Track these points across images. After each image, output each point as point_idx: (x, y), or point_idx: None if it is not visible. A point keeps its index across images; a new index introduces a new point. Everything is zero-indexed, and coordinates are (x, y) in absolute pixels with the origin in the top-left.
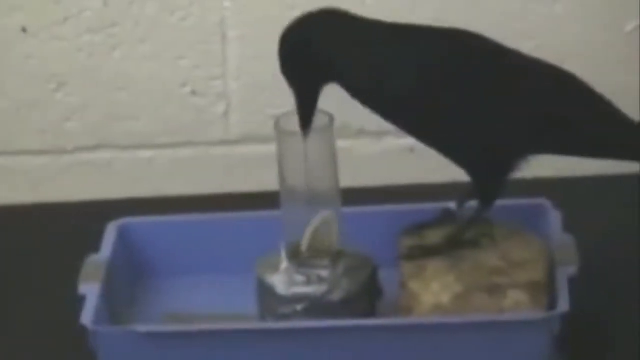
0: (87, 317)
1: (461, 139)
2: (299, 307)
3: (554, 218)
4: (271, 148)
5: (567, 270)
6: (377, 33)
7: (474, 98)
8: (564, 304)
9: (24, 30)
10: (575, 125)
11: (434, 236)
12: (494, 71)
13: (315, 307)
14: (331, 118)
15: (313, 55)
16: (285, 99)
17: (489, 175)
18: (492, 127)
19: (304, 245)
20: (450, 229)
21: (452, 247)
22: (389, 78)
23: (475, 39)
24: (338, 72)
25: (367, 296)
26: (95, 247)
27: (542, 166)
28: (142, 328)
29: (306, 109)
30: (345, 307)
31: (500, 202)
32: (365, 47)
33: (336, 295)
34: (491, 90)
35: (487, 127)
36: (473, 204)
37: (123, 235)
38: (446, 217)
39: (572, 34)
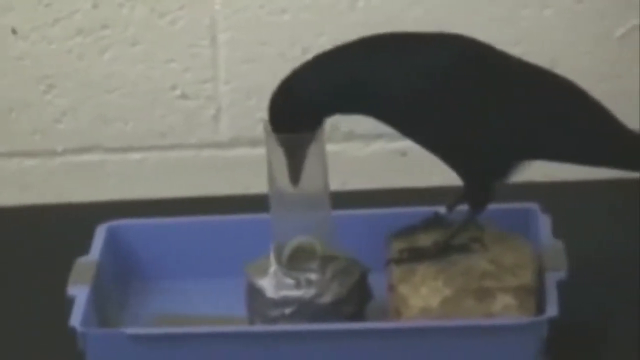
0: (76, 319)
1: (457, 142)
2: (287, 311)
3: (544, 223)
4: (261, 151)
5: (556, 275)
6: (368, 50)
7: (470, 102)
8: (552, 309)
9: (14, 31)
10: (571, 132)
11: (424, 240)
12: (490, 75)
13: (304, 310)
14: None
15: (312, 97)
16: None
17: (482, 179)
18: (487, 132)
19: (285, 257)
20: (440, 233)
21: (442, 251)
22: (388, 87)
23: (470, 43)
24: (339, 103)
25: (356, 299)
26: (85, 249)
27: (531, 171)
28: (131, 330)
29: (297, 162)
30: (334, 311)
31: (490, 207)
32: (362, 67)
33: (325, 299)
34: (487, 95)
35: (482, 132)
36: (463, 208)
37: (112, 237)
38: (436, 220)
39: (561, 39)
